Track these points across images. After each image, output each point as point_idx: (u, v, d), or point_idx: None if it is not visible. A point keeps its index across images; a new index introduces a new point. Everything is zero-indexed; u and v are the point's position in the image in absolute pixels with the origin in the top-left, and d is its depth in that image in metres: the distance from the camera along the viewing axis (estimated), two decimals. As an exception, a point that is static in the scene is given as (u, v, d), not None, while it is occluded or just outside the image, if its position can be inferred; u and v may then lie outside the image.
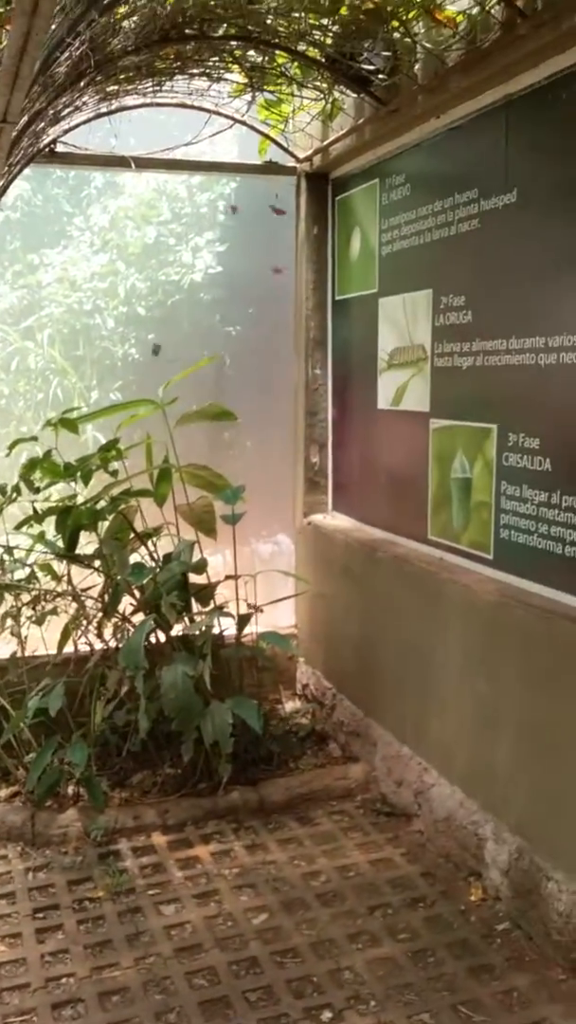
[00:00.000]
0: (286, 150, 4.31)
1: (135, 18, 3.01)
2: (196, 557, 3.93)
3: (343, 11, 3.20)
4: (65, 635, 3.88)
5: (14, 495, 3.71)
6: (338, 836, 3.44)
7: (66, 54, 2.70)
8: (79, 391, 5.06)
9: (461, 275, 3.32)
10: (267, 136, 4.19)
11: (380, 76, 3.48)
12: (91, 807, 3.55)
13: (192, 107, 4.00)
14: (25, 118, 2.98)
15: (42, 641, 3.96)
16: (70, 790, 3.68)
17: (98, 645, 3.87)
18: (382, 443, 4.00)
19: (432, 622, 3.34)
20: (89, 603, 3.82)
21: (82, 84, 3.35)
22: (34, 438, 3.84)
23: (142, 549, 3.99)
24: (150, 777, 3.85)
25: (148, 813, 3.54)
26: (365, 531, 4.12)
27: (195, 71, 3.72)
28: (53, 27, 2.38)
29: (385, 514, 3.98)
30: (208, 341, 5.04)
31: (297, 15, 3.20)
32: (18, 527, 3.75)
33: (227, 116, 4.06)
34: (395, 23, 3.18)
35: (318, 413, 4.54)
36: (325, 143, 4.08)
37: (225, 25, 3.36)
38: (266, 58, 3.61)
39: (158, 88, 3.80)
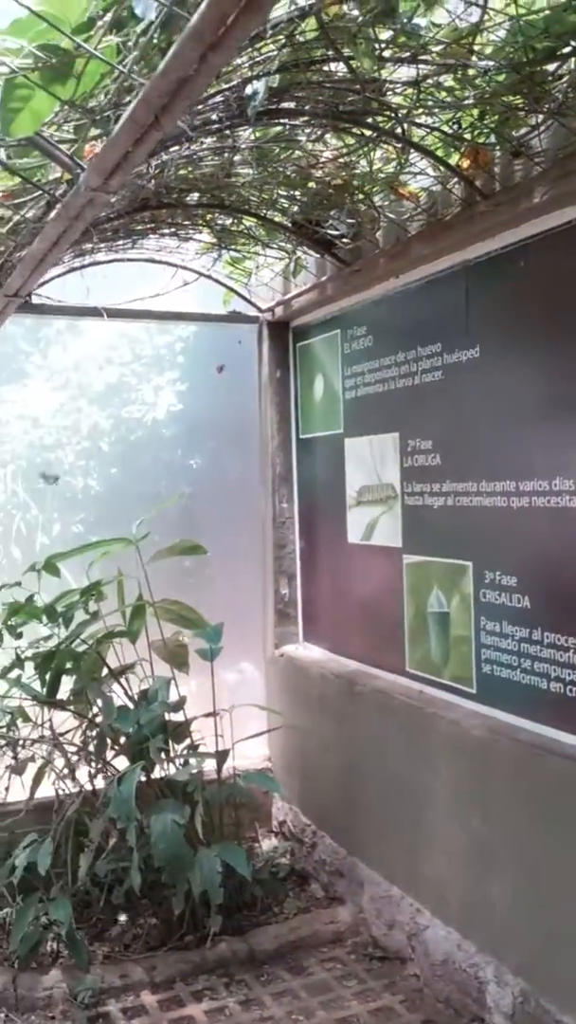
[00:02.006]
0: (249, 301, 4.54)
1: (124, 190, 3.20)
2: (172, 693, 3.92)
3: (311, 184, 3.47)
4: (37, 780, 3.79)
5: (-2, 643, 3.69)
6: (333, 985, 3.37)
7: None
8: (41, 524, 5.09)
9: (427, 421, 3.52)
10: (231, 289, 4.43)
11: (344, 240, 3.75)
12: (75, 966, 3.41)
13: (161, 262, 4.21)
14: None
15: (3, 790, 3.85)
16: (49, 947, 3.54)
17: (72, 790, 3.79)
18: (354, 576, 4.12)
19: (419, 758, 3.39)
20: (69, 748, 3.75)
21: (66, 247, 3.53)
22: (18, 583, 3.83)
23: (115, 686, 3.97)
24: (130, 929, 3.73)
25: (135, 971, 3.42)
26: (339, 662, 4.18)
27: (166, 231, 3.94)
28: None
29: (359, 646, 4.06)
30: (170, 475, 5.16)
31: (269, 186, 3.45)
32: (4, 673, 3.70)
33: (193, 271, 4.29)
34: (361, 195, 3.46)
35: (286, 546, 4.65)
36: (287, 296, 4.33)
37: (198, 194, 3.60)
38: (234, 221, 3.85)
39: (131, 246, 4.00)
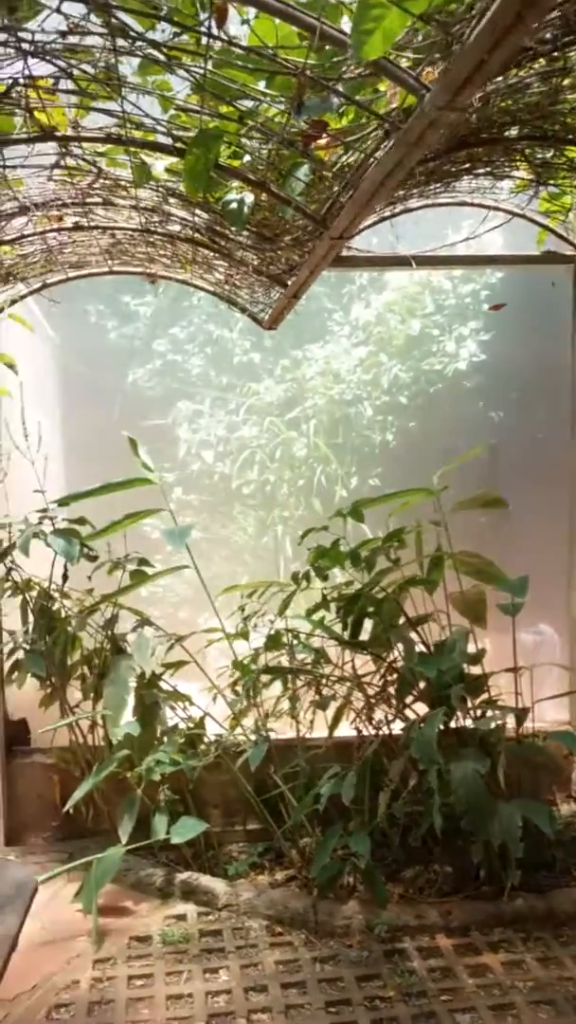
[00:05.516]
0: (566, 240, 4.30)
1: (443, 129, 3.13)
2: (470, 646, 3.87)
3: None
4: (337, 719, 3.92)
5: (304, 583, 3.83)
6: None
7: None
8: (340, 478, 5.21)
9: None
10: (547, 227, 4.21)
11: None
12: (371, 901, 3.51)
13: (473, 204, 4.10)
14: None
15: (308, 724, 4.00)
16: (346, 880, 3.66)
17: (371, 731, 3.88)
18: None
19: None
20: (369, 690, 3.84)
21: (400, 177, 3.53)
22: (325, 527, 3.96)
23: (412, 634, 3.98)
24: (423, 873, 3.76)
25: (431, 913, 3.44)
26: None
27: (481, 171, 3.82)
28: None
29: None
30: (470, 428, 5.05)
31: (598, 111, 3.22)
32: (309, 613, 3.85)
33: (507, 211, 4.12)
34: None
35: (595, 501, 4.40)
36: (609, 231, 4.05)
37: (519, 126, 3.44)
38: (556, 153, 3.64)
39: (443, 189, 3.93)
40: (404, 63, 2.04)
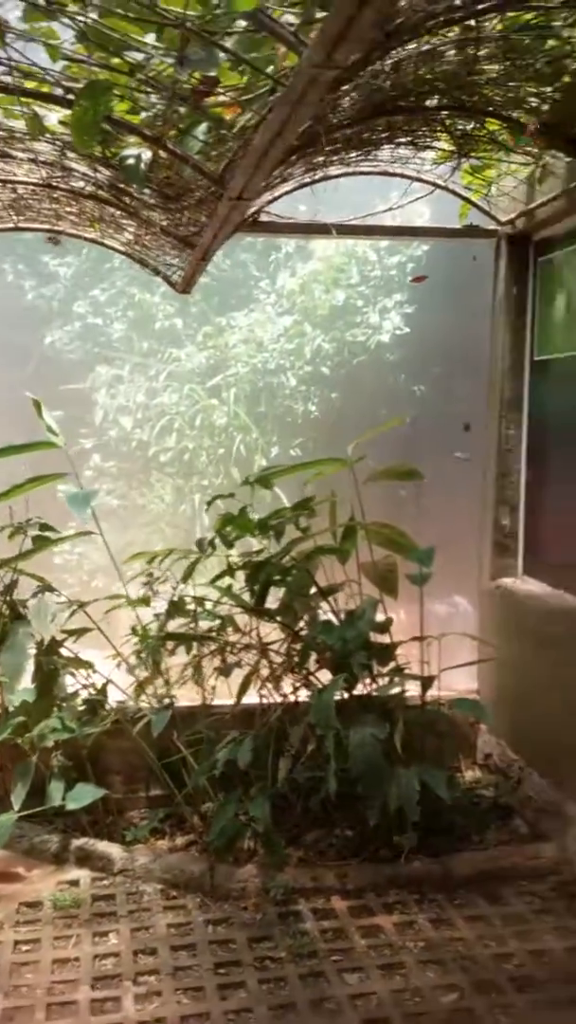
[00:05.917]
0: (488, 214, 4.31)
1: (354, 94, 3.09)
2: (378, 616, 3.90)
3: (565, 79, 3.18)
4: (244, 686, 3.93)
5: (210, 550, 3.82)
6: (529, 918, 3.28)
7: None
8: (260, 447, 5.19)
9: None
10: (469, 201, 4.21)
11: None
12: (269, 864, 3.54)
13: (395, 175, 4.08)
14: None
15: (211, 690, 4.00)
16: (246, 844, 3.69)
17: (276, 699, 3.90)
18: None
19: None
20: (275, 658, 3.85)
21: (293, 158, 3.48)
22: (232, 495, 3.94)
23: (323, 604, 4.00)
24: (325, 837, 3.81)
25: (327, 876, 3.50)
26: (564, 598, 3.96)
27: (402, 140, 3.79)
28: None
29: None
30: (392, 400, 5.07)
31: (515, 84, 3.21)
32: (213, 581, 3.84)
33: (429, 182, 4.11)
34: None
35: (510, 474, 4.45)
36: (531, 206, 4.05)
37: (438, 96, 3.41)
38: (476, 125, 3.63)
39: (363, 158, 3.89)
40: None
